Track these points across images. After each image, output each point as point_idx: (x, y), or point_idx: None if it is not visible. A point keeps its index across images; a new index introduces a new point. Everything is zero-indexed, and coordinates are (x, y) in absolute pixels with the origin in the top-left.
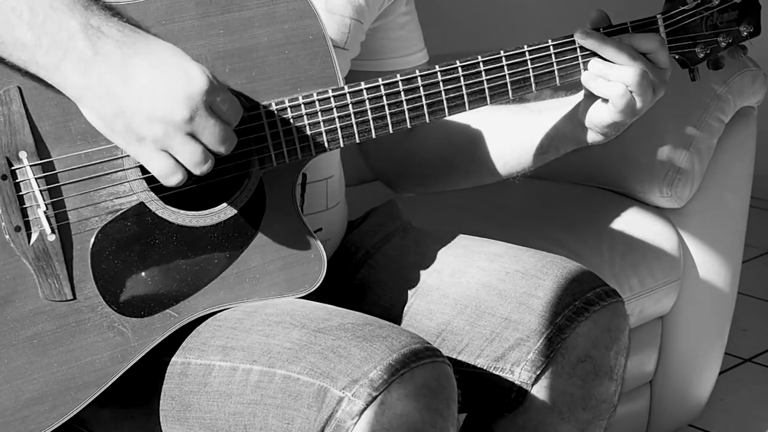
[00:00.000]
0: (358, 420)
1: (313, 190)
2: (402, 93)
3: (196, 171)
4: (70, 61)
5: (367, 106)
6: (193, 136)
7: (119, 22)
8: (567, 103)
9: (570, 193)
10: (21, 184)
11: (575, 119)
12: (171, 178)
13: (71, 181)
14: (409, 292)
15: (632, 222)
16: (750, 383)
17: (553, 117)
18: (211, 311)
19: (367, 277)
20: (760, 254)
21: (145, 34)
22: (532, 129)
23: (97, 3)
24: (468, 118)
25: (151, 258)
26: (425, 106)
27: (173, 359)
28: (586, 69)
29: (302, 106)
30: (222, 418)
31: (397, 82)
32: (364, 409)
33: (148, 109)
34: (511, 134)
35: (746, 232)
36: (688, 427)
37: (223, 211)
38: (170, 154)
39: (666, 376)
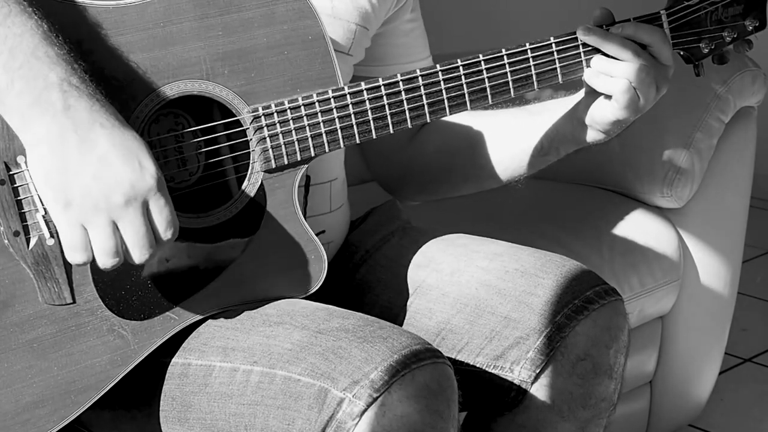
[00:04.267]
0: (358, 421)
1: (317, 192)
2: (402, 92)
3: (101, 261)
4: (38, 110)
5: (368, 106)
6: (116, 225)
7: (98, 91)
8: (566, 102)
9: (570, 193)
10: (19, 188)
11: (575, 119)
12: (76, 254)
13: None
14: (408, 291)
15: (632, 222)
16: (750, 383)
17: (552, 118)
18: (212, 314)
19: (366, 277)
20: (760, 254)
21: (118, 115)
22: (532, 131)
23: (81, 65)
24: (468, 123)
25: (150, 261)
26: (426, 105)
27: (174, 360)
28: (588, 66)
29: (302, 107)
30: (222, 418)
31: (398, 81)
32: (365, 410)
33: (89, 180)
34: (511, 138)
35: (746, 232)
36: (688, 427)
37: (223, 213)
38: (86, 232)
39: (666, 376)
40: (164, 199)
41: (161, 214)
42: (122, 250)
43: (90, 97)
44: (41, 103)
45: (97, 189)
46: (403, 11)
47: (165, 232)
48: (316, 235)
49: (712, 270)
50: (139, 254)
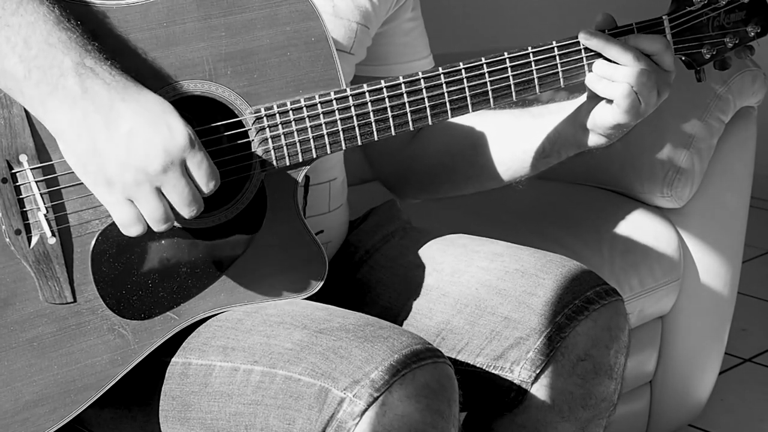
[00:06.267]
0: (359, 420)
1: (316, 192)
2: (405, 95)
3: (155, 227)
4: (57, 98)
5: (370, 108)
6: (160, 191)
7: (113, 66)
8: (568, 106)
9: (570, 193)
10: (21, 187)
11: (577, 122)
12: (131, 228)
13: (72, 184)
14: (408, 291)
15: (632, 222)
16: (750, 383)
17: (554, 121)
18: (212, 314)
19: (366, 277)
20: (760, 254)
21: (136, 83)
22: (534, 133)
23: (94, 45)
24: (470, 123)
25: (151, 261)
26: (428, 108)
27: (174, 359)
28: (590, 70)
29: (304, 108)
30: (223, 418)
31: (400, 84)
32: (366, 409)
33: (123, 156)
34: (513, 139)
35: (746, 232)
36: (688, 427)
37: (224, 213)
38: (134, 205)
39: (666, 376)
40: (200, 154)
41: (200, 169)
42: (173, 211)
43: (107, 75)
44: (59, 90)
45: (133, 163)
46: (404, 10)
47: (207, 185)
48: (315, 235)
49: (712, 270)
50: (188, 212)
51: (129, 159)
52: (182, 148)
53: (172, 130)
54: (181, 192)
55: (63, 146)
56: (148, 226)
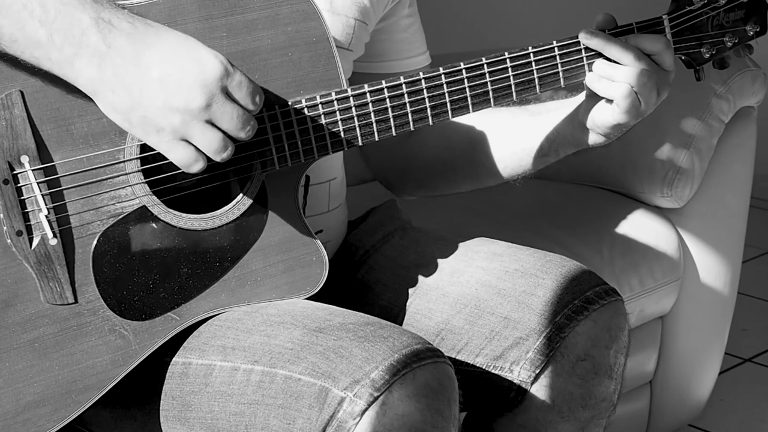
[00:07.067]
0: (359, 420)
1: (316, 192)
2: (405, 95)
3: (217, 158)
4: (84, 57)
5: (371, 108)
6: (211, 123)
7: (129, 14)
8: (567, 104)
9: (570, 193)
10: (23, 188)
11: (576, 121)
12: (193, 166)
13: (73, 185)
14: (408, 291)
15: (632, 222)
16: (750, 383)
17: (553, 119)
18: (212, 314)
19: (366, 277)
20: (760, 254)
21: (156, 26)
22: (533, 132)
23: None
24: (468, 121)
25: (152, 261)
26: (429, 108)
27: (174, 359)
28: (590, 70)
29: (305, 108)
30: (223, 418)
31: (401, 84)
32: (366, 409)
33: (163, 100)
34: (511, 137)
35: (746, 232)
36: (688, 427)
37: (225, 214)
38: (190, 143)
39: (666, 376)
40: (238, 75)
41: (242, 90)
42: (229, 137)
43: (126, 24)
44: (84, 49)
45: (175, 106)
46: (401, 6)
47: (254, 103)
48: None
49: (712, 270)
50: (244, 134)
51: (169, 102)
52: (218, 77)
53: (202, 64)
54: (231, 118)
55: (102, 104)
56: (209, 158)
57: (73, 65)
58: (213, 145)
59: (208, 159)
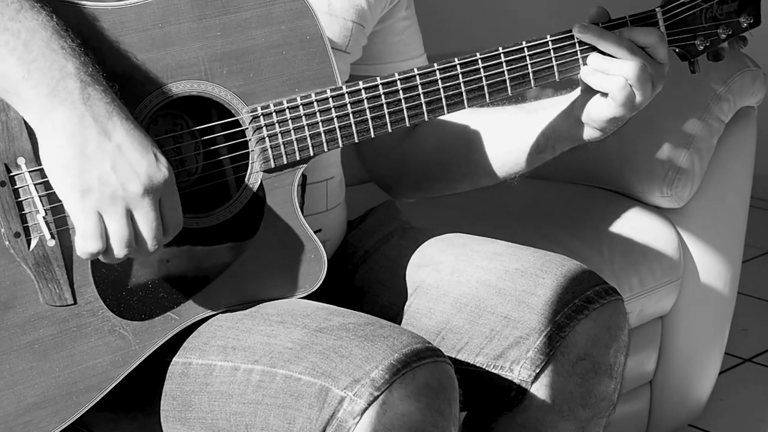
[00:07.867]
0: (359, 419)
1: (313, 191)
2: (400, 92)
3: (116, 249)
4: (58, 98)
5: (366, 105)
6: (131, 215)
7: (108, 85)
8: (562, 101)
9: (570, 193)
10: (20, 190)
11: (571, 116)
12: (90, 242)
13: None
14: (408, 291)
15: (632, 222)
16: (750, 383)
17: (548, 116)
18: (212, 313)
19: (366, 277)
20: (760, 254)
21: (127, 111)
22: (528, 129)
23: (92, 60)
24: (464, 120)
25: (151, 261)
26: (424, 105)
27: (174, 359)
28: (585, 64)
29: (300, 107)
30: (223, 418)
31: (396, 81)
32: (366, 408)
33: (108, 167)
34: (507, 135)
35: (746, 232)
36: (688, 427)
37: (223, 213)
38: (102, 220)
39: (666, 376)
40: (176, 194)
41: (173, 209)
42: (135, 241)
43: (104, 90)
44: (59, 92)
45: (116, 178)
46: (398, 9)
47: (175, 229)
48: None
49: (712, 270)
50: (152, 244)
51: (112, 173)
52: (165, 181)
53: (158, 161)
54: (151, 221)
55: (48, 146)
56: (106, 248)
57: (42, 106)
58: (121, 234)
59: (105, 250)
